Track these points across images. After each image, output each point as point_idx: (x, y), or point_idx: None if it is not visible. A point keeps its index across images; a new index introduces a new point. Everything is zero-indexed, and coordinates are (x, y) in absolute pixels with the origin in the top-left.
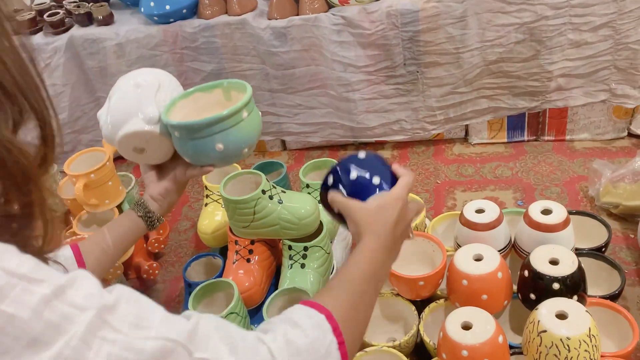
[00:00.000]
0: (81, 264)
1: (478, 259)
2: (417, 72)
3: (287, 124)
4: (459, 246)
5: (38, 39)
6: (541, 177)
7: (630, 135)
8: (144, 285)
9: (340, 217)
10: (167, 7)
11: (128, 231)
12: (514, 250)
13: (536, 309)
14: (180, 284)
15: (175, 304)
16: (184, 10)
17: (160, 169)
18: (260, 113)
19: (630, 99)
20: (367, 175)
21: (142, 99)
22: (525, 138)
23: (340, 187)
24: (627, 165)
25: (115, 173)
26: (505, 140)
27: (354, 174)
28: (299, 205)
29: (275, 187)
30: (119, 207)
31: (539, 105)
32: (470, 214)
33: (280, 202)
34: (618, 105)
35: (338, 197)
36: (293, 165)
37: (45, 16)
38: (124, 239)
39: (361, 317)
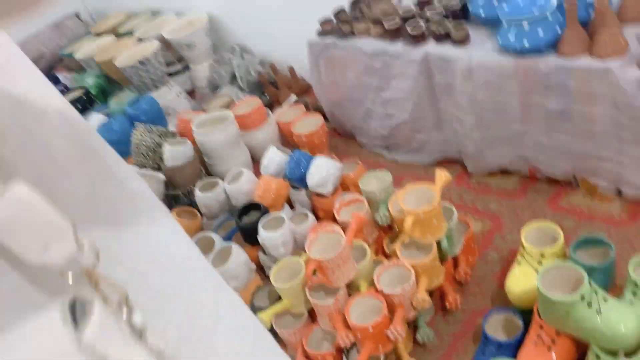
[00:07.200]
0: None
1: None
2: None
3: (629, 175)
4: None
5: (399, 47)
6: None
7: None
8: (446, 311)
9: None
10: (526, 44)
11: None
12: None
13: None
14: (477, 320)
15: (468, 341)
16: (542, 49)
17: None
18: None
19: None
20: None
21: None
22: None
23: None
24: None
25: (440, 212)
26: None
27: None
28: (619, 319)
29: (596, 293)
30: (438, 243)
31: None
32: None
33: (599, 312)
34: None
35: None
36: (624, 220)
37: (408, 27)
38: None
39: None
